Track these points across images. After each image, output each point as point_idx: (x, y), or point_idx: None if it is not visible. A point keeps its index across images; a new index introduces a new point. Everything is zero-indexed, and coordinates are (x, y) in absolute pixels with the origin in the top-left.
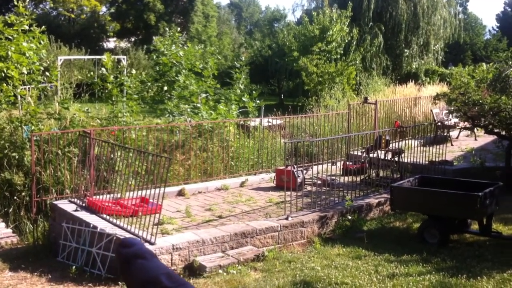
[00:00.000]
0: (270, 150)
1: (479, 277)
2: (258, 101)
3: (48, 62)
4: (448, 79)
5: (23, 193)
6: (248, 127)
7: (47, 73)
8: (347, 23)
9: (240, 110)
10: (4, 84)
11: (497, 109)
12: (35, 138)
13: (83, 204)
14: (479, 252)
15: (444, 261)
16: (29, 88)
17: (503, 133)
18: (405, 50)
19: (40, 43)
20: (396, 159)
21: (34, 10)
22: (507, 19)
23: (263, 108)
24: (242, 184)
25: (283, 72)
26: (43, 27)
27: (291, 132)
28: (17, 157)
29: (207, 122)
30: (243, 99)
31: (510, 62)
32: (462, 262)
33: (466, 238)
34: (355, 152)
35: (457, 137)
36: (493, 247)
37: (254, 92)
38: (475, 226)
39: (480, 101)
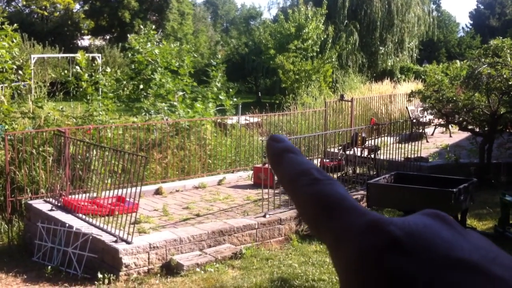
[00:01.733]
0: (247, 148)
1: None
2: (235, 99)
3: (21, 61)
4: (423, 77)
5: None
6: (225, 125)
7: (20, 72)
8: (322, 21)
9: (217, 108)
10: None
11: (471, 106)
12: (9, 137)
13: (59, 204)
14: None
15: None
16: (2, 87)
17: (477, 129)
18: (380, 48)
19: (12, 41)
20: (372, 156)
21: (6, 8)
22: (479, 16)
23: (240, 106)
24: (220, 182)
25: (260, 70)
26: (16, 25)
27: (268, 130)
28: None
29: (184, 121)
30: (220, 97)
31: (483, 60)
32: None
33: None
34: (332, 150)
35: (432, 134)
36: None
37: (231, 90)
38: None
39: (454, 98)
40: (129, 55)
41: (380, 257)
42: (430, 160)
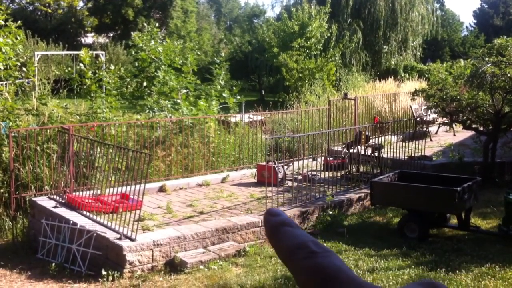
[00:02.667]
0: (251, 146)
1: (457, 271)
2: (238, 97)
3: (25, 58)
4: (426, 75)
5: (1, 190)
6: (229, 123)
7: (24, 69)
8: (326, 19)
9: (221, 106)
10: None
11: (475, 105)
12: (13, 134)
13: (63, 201)
14: (458, 246)
15: (424, 255)
16: (6, 84)
17: (481, 128)
18: (384, 47)
19: (16, 38)
20: (376, 154)
21: (10, 5)
22: (483, 15)
23: (243, 104)
24: (223, 180)
25: (263, 68)
26: (19, 22)
27: (272, 128)
28: None
29: (187, 118)
30: (224, 95)
31: (487, 58)
32: (441, 256)
33: (445, 232)
34: (336, 148)
35: (436, 133)
36: (472, 241)
37: (234, 88)
38: (454, 221)
39: (458, 97)
40: (133, 52)
41: None
42: (434, 158)
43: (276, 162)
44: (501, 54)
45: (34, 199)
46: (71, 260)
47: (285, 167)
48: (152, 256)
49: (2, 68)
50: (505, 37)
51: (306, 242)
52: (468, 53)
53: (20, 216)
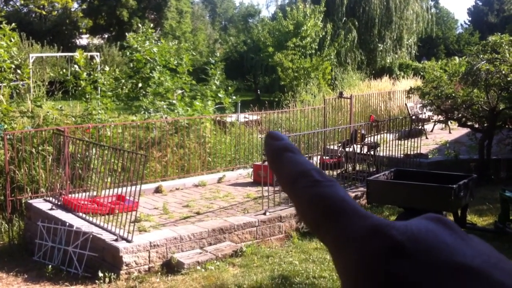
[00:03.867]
0: (247, 145)
1: None
2: (234, 97)
3: (20, 60)
4: (421, 73)
5: None
6: (224, 123)
7: (18, 71)
8: (321, 18)
9: (217, 106)
10: None
11: (470, 102)
12: (8, 136)
13: (59, 203)
14: None
15: None
16: (0, 86)
17: (476, 125)
18: (379, 45)
19: (10, 41)
20: (372, 153)
21: (4, 7)
22: (478, 13)
23: (239, 104)
24: (219, 180)
25: (258, 67)
26: (14, 24)
27: (268, 128)
28: None
29: (183, 119)
30: (219, 95)
31: (482, 56)
32: None
33: None
34: (332, 147)
35: (431, 130)
36: None
37: (230, 88)
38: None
39: (453, 95)
40: (128, 53)
41: (382, 262)
42: (429, 156)
43: None
44: (495, 51)
45: (30, 201)
46: (68, 262)
47: None
48: (149, 257)
49: None
50: (499, 34)
51: (309, 170)
52: (463, 51)
53: (16, 218)
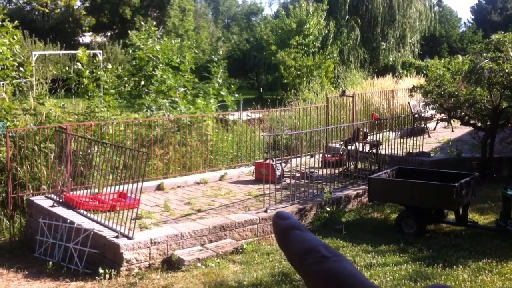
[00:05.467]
0: (249, 143)
1: (455, 266)
2: (236, 95)
3: (22, 58)
4: (424, 72)
5: None
6: (227, 121)
7: (21, 69)
8: (323, 16)
9: (219, 104)
10: None
11: (473, 101)
12: (10, 134)
13: (60, 200)
14: (456, 241)
15: (421, 251)
16: (3, 83)
17: (479, 124)
18: (382, 43)
19: (13, 39)
20: (374, 151)
21: (7, 5)
22: (481, 11)
23: (242, 102)
24: (221, 178)
25: (261, 65)
26: (16, 22)
27: (270, 126)
28: None
29: (185, 117)
30: (222, 93)
31: (485, 54)
32: (439, 252)
33: (442, 228)
34: (334, 145)
35: (434, 129)
36: (469, 236)
37: (232, 86)
38: (451, 216)
39: (456, 93)
40: (130, 51)
41: None
42: (432, 154)
43: (274, 159)
44: (498, 49)
45: (32, 198)
46: (68, 259)
47: (283, 164)
48: (150, 254)
49: (0, 68)
50: (502, 32)
51: (316, 246)
52: (466, 49)
53: (17, 215)
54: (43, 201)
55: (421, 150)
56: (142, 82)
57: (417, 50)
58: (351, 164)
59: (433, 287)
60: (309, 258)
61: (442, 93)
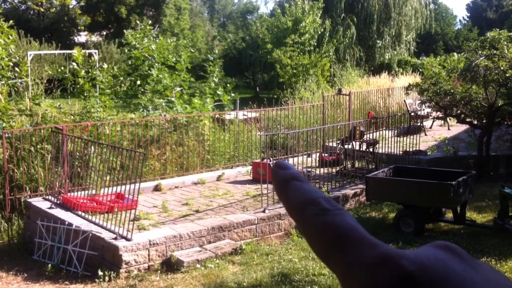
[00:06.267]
0: (246, 143)
1: None
2: (233, 94)
3: (18, 58)
4: (420, 70)
5: None
6: (223, 121)
7: (16, 69)
8: (319, 15)
9: (215, 104)
10: None
11: (468, 99)
12: (6, 135)
13: (58, 201)
14: (454, 240)
15: None
16: None
17: (475, 122)
18: (378, 41)
19: (8, 38)
20: (371, 150)
21: (2, 4)
22: (476, 8)
23: (238, 101)
24: (219, 178)
25: (257, 64)
26: (11, 21)
27: (266, 125)
28: None
29: (182, 116)
30: (218, 92)
31: (480, 52)
32: None
33: (441, 226)
34: (331, 144)
35: (430, 127)
36: (467, 235)
37: (228, 85)
38: (449, 215)
39: (452, 91)
40: (126, 51)
41: None
42: (428, 153)
43: (271, 159)
44: (494, 47)
45: (29, 200)
46: (67, 261)
47: None
48: (148, 255)
49: None
50: (498, 30)
51: (317, 199)
52: (461, 47)
53: (15, 217)
54: (40, 203)
55: (417, 148)
56: (138, 82)
57: (412, 48)
58: (348, 163)
59: (436, 245)
60: (309, 209)
61: (438, 91)
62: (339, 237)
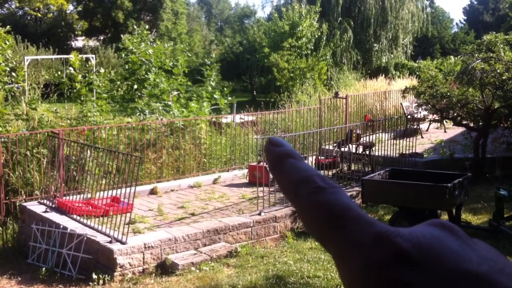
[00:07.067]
0: (242, 146)
1: None
2: (230, 98)
3: (15, 63)
4: (417, 73)
5: None
6: (220, 124)
7: (13, 74)
8: (316, 19)
9: (212, 107)
10: None
11: (465, 101)
12: (2, 139)
13: (53, 205)
14: None
15: None
16: None
17: (471, 124)
18: (375, 45)
19: (5, 43)
20: (367, 152)
21: None
22: (473, 12)
23: (235, 105)
24: (215, 181)
25: (254, 68)
26: (8, 27)
27: (263, 128)
28: None
29: (178, 120)
30: (215, 96)
31: (476, 55)
32: None
33: None
34: (327, 147)
35: (427, 130)
36: None
37: (225, 89)
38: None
39: (448, 94)
40: (123, 55)
41: (387, 270)
42: (425, 155)
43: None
44: (490, 50)
45: (24, 204)
46: (62, 265)
47: None
48: (143, 258)
49: None
50: (494, 33)
51: (312, 176)
52: (458, 50)
53: (10, 221)
54: (35, 207)
55: (414, 151)
56: (135, 86)
57: (409, 51)
58: (345, 166)
59: (431, 223)
60: (304, 188)
61: (435, 94)
62: (334, 215)
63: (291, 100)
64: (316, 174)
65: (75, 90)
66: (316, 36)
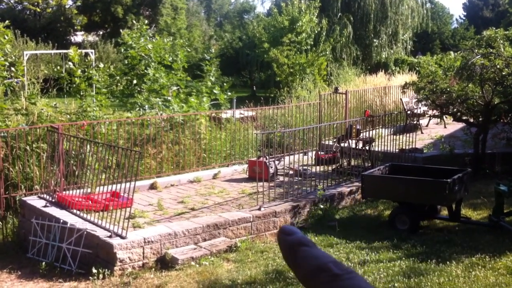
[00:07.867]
0: (242, 141)
1: (448, 262)
2: (229, 93)
3: (14, 58)
4: (417, 68)
5: None
6: (220, 119)
7: (13, 69)
8: (316, 14)
9: (212, 103)
10: None
11: (465, 97)
12: (2, 134)
13: (53, 200)
14: (449, 237)
15: (414, 247)
16: None
17: (471, 120)
18: (374, 40)
19: (4, 38)
20: (367, 148)
21: None
22: (473, 7)
23: (235, 100)
24: (215, 176)
25: (254, 63)
26: (8, 21)
27: (263, 123)
28: None
29: (178, 115)
30: (215, 91)
31: (476, 50)
32: (432, 248)
33: (436, 224)
34: (327, 142)
35: (427, 125)
36: (462, 232)
37: (225, 84)
38: (444, 212)
39: (448, 89)
40: (122, 50)
41: None
42: (425, 151)
43: (267, 157)
44: (490, 45)
45: (24, 198)
46: (62, 259)
47: (277, 162)
48: (143, 253)
49: None
50: (494, 28)
51: (327, 264)
52: (458, 46)
53: (10, 216)
54: (35, 201)
55: (414, 146)
56: (135, 81)
57: (409, 47)
58: (345, 161)
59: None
60: (320, 277)
61: (434, 89)
62: None
63: (291, 96)
64: (331, 261)
65: (74, 85)
66: (316, 32)
